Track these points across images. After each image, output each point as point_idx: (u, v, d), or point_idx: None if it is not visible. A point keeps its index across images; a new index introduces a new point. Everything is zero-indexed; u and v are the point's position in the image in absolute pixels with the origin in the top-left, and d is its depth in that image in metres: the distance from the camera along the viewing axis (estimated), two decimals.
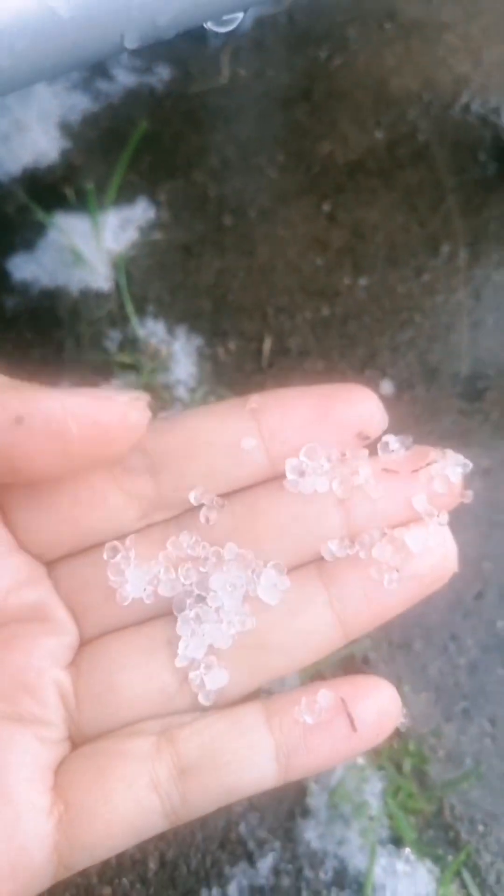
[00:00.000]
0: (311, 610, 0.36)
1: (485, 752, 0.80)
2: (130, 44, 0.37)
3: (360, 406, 0.37)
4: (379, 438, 0.38)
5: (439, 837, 0.77)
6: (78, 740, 0.35)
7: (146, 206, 1.09)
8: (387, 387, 1.01)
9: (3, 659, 0.34)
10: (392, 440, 0.38)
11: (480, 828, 0.78)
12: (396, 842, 0.76)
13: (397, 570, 0.35)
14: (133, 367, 0.97)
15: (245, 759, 0.34)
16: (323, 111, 1.24)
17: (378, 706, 0.34)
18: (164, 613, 0.36)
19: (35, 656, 0.34)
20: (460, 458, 0.37)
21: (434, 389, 1.01)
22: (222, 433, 0.36)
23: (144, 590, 0.35)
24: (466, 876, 0.75)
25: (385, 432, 0.38)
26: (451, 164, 1.21)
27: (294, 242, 1.11)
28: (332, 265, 1.10)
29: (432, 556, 0.36)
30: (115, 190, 1.03)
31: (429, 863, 0.75)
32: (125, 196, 1.09)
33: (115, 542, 0.36)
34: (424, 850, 0.76)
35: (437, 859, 0.75)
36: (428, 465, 0.37)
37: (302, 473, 0.36)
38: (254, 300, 1.06)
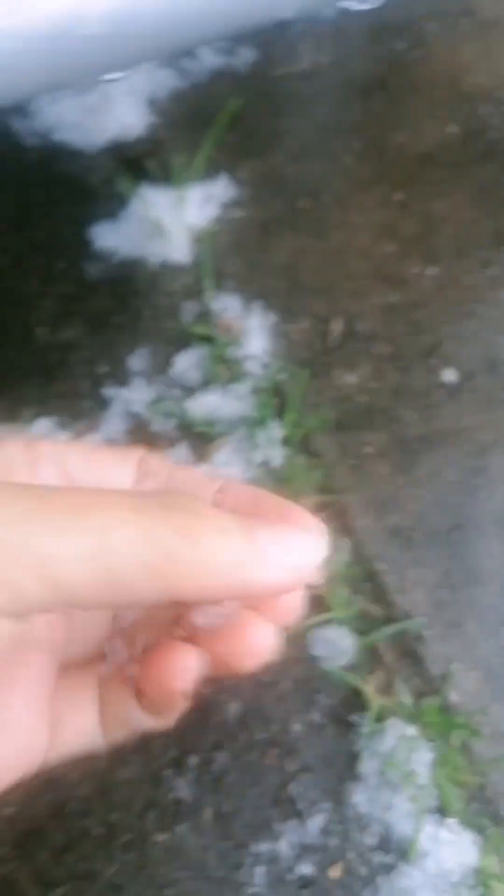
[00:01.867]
0: None
1: None
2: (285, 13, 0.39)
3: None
4: None
5: (483, 811, 0.80)
6: None
7: (227, 183, 1.12)
8: (450, 375, 1.03)
9: None
10: None
11: None
12: (442, 811, 0.79)
13: None
14: (208, 339, 1.00)
15: None
16: (398, 102, 1.26)
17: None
18: None
19: None
20: None
21: (496, 380, 1.03)
22: None
23: None
24: None
25: None
26: None
27: (366, 229, 1.13)
28: (401, 253, 1.12)
29: None
30: (201, 165, 1.06)
31: (472, 834, 0.78)
32: (208, 172, 1.12)
33: None
34: (469, 821, 0.78)
35: (480, 830, 0.78)
36: None
37: None
38: (325, 282, 1.08)
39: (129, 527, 0.29)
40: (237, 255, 1.07)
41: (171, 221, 1.04)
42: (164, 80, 1.17)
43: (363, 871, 0.77)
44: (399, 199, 1.17)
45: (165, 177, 1.07)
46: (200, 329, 1.00)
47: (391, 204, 1.17)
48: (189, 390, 0.97)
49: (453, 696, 0.84)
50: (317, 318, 1.05)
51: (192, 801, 0.79)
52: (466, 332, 1.06)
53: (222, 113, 1.06)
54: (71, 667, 0.34)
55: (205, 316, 1.02)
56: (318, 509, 0.93)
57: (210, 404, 0.95)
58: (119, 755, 0.80)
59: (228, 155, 1.15)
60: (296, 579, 0.31)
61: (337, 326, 1.05)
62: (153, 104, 1.16)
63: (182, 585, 0.30)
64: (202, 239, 1.05)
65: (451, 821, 0.78)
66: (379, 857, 0.78)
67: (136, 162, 1.10)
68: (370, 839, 0.79)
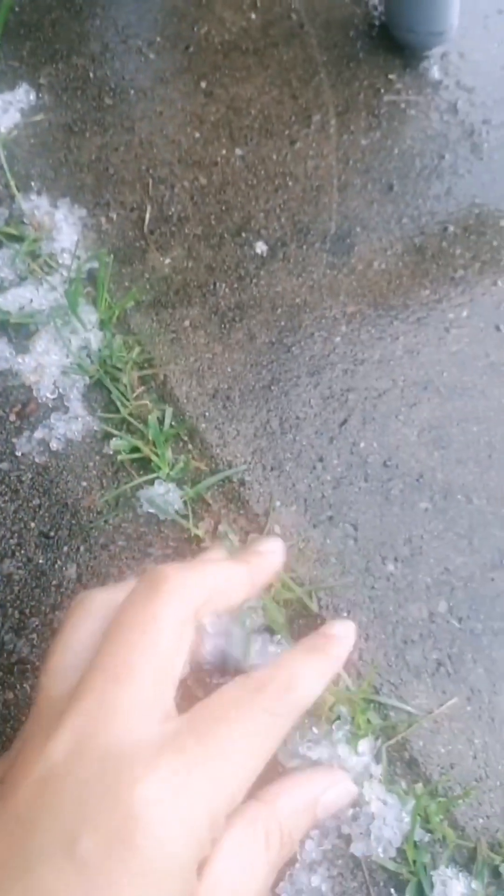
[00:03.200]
0: None
1: (348, 552, 0.90)
2: None
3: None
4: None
5: (308, 625, 0.87)
6: None
7: (27, 89, 1.14)
8: (261, 246, 1.08)
9: None
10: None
11: (344, 614, 0.88)
12: (270, 631, 0.86)
13: None
14: (18, 239, 1.03)
15: None
16: None
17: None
18: None
19: None
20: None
21: (305, 247, 1.08)
22: None
23: None
24: None
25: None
26: (323, 41, 1.26)
27: (172, 118, 1.17)
28: (209, 138, 1.16)
29: None
30: None
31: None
32: (5, 81, 1.14)
33: None
34: (293, 634, 0.85)
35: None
36: None
37: None
38: (134, 173, 1.12)
39: None
40: (42, 158, 1.10)
41: None
42: None
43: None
44: (204, 87, 1.20)
45: None
46: (11, 230, 1.03)
47: (197, 93, 1.20)
48: (3, 288, 1.00)
49: (276, 529, 0.91)
50: (127, 207, 1.09)
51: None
52: (274, 206, 1.11)
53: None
54: None
55: (15, 218, 1.05)
56: (140, 384, 0.99)
57: (24, 298, 0.99)
58: None
59: (27, 62, 1.17)
60: None
61: (148, 213, 1.09)
62: None
63: None
64: (3, 145, 1.08)
65: (278, 637, 0.85)
66: (216, 679, 0.85)
67: None
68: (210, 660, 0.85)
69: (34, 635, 0.86)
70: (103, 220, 1.08)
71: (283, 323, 1.03)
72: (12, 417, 0.97)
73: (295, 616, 0.87)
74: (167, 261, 1.06)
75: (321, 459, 0.95)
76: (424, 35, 1.17)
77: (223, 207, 1.11)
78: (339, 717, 0.83)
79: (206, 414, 0.97)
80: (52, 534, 0.93)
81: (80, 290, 0.98)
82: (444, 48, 1.20)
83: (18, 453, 0.95)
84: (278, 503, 0.92)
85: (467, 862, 0.82)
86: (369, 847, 0.82)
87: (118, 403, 0.96)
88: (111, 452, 0.95)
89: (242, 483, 0.93)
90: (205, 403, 0.98)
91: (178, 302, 1.04)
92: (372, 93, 1.20)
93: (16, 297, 0.99)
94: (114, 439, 0.94)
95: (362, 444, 0.96)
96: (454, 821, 0.83)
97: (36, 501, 0.94)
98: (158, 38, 1.24)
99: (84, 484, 0.94)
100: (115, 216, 1.08)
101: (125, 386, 0.97)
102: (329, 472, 0.94)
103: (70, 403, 0.97)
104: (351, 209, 1.11)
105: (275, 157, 1.15)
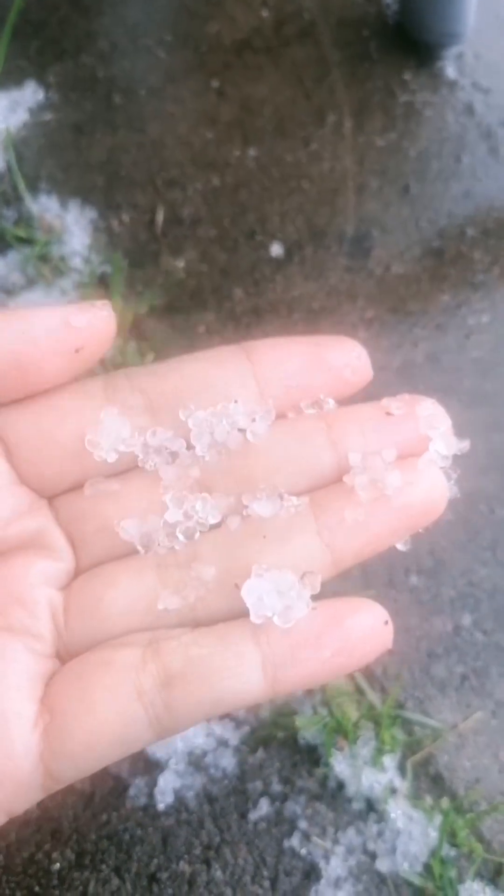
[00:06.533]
0: (299, 537, 0.36)
1: (370, 564, 0.88)
2: None
3: (348, 354, 0.41)
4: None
5: None
6: (66, 657, 0.36)
7: (35, 88, 1.12)
8: (276, 249, 1.06)
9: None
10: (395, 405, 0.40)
11: None
12: None
13: (385, 495, 0.37)
14: (28, 241, 1.01)
15: (231, 670, 0.34)
16: None
17: (368, 625, 0.35)
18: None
19: (30, 574, 0.36)
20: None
21: (321, 250, 1.07)
22: (218, 377, 0.38)
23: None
24: None
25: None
26: (336, 40, 1.24)
27: (184, 118, 1.15)
28: (221, 138, 1.14)
29: (421, 490, 0.38)
30: None
31: None
32: (13, 80, 1.12)
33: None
34: None
35: None
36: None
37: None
38: (146, 174, 1.10)
39: None
40: (52, 157, 1.08)
41: None
42: None
43: None
44: (216, 86, 1.18)
45: None
46: (20, 232, 1.01)
47: (208, 92, 1.18)
48: (13, 293, 0.98)
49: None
50: (139, 209, 1.07)
51: None
52: (290, 207, 1.10)
53: (10, 12, 1.05)
54: None
55: (24, 220, 1.03)
56: None
57: (34, 302, 0.97)
58: None
59: (35, 61, 1.14)
60: None
61: (160, 215, 1.07)
62: None
63: None
64: (9, 144, 1.05)
65: None
66: None
67: None
68: None
69: None
70: (115, 222, 1.05)
71: (300, 328, 1.01)
72: None
73: None
74: (181, 264, 1.04)
75: None
76: (440, 35, 1.15)
77: (237, 209, 1.09)
78: (361, 734, 0.82)
79: None
80: None
81: (92, 295, 0.96)
82: (459, 48, 1.19)
83: None
84: None
85: (494, 876, 0.81)
86: (395, 863, 0.81)
87: None
88: None
89: None
90: None
91: (192, 306, 1.02)
92: (387, 93, 1.18)
93: (26, 301, 0.97)
94: None
95: None
96: (480, 835, 0.81)
97: None
98: (168, 37, 1.21)
99: None
100: (126, 218, 1.06)
101: None
102: None
103: None
104: (367, 211, 1.09)
105: (289, 158, 1.13)
